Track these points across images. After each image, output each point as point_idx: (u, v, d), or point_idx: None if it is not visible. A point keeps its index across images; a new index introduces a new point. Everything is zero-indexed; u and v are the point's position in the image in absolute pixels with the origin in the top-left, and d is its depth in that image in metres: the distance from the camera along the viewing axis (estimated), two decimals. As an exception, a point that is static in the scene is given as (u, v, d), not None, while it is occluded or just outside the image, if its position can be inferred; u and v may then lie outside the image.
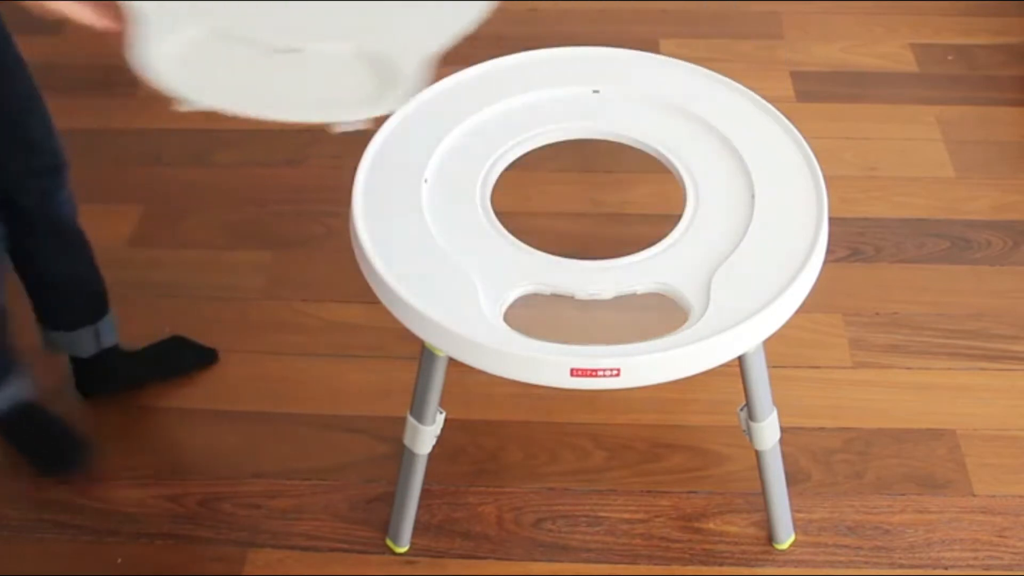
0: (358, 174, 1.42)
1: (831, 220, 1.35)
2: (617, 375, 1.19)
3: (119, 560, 1.70)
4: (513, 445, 1.84)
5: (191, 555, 1.70)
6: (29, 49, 2.83)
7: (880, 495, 1.75)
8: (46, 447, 1.82)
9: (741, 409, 1.52)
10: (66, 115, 2.60)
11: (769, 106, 1.51)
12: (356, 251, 1.34)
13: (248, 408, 1.91)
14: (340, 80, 1.26)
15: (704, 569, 1.66)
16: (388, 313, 1.30)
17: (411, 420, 1.51)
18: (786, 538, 1.67)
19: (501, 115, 1.52)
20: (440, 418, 1.51)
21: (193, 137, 2.51)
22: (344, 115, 1.22)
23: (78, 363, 1.91)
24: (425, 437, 1.51)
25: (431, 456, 1.56)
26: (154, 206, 2.33)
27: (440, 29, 1.38)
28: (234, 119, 2.61)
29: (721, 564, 1.66)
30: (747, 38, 2.67)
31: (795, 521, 1.69)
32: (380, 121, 1.42)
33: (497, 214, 1.39)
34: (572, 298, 1.28)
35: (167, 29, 1.29)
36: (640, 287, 1.28)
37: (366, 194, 1.39)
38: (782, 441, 1.56)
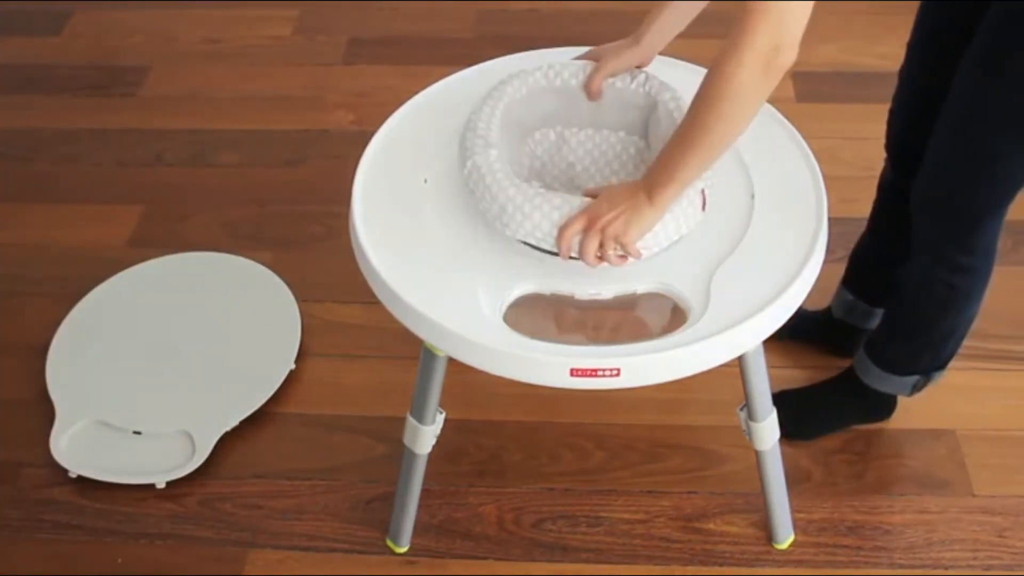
0: (358, 174, 1.42)
1: (831, 220, 1.35)
2: (617, 375, 1.19)
3: (119, 560, 1.70)
4: (514, 445, 1.84)
5: (191, 555, 1.70)
6: (29, 49, 2.86)
7: (880, 495, 1.75)
8: None
9: (741, 409, 1.52)
10: (66, 115, 2.62)
11: (769, 106, 1.51)
12: (356, 251, 1.34)
13: (248, 408, 1.91)
14: (165, 451, 1.83)
15: (704, 569, 1.66)
16: (388, 313, 1.30)
17: (411, 420, 1.51)
18: (785, 538, 1.67)
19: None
20: (440, 418, 1.51)
21: (193, 137, 2.51)
22: (162, 477, 1.78)
23: None
24: (425, 437, 1.51)
25: (431, 456, 1.56)
26: (154, 206, 2.33)
27: (235, 409, 1.87)
28: (234, 119, 2.62)
29: (721, 564, 1.66)
30: (747, 38, 2.66)
31: (795, 521, 1.69)
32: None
33: (497, 214, 1.39)
34: (572, 298, 1.28)
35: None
36: (640, 287, 1.28)
37: (366, 194, 1.39)
38: (782, 441, 1.56)
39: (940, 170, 1.47)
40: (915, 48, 1.57)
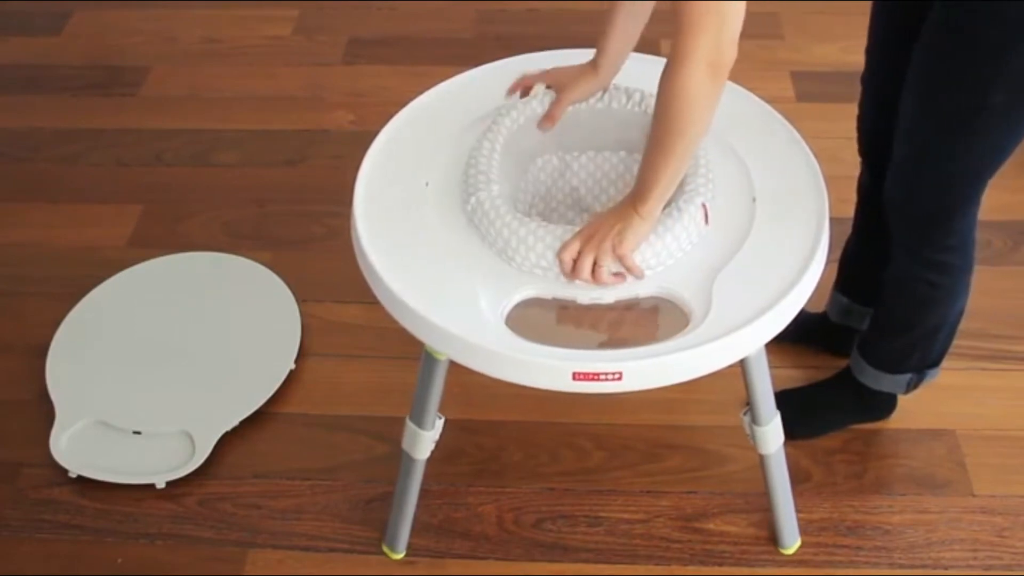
0: (359, 177, 1.42)
1: (832, 221, 1.35)
2: (619, 379, 1.19)
3: (119, 560, 1.70)
4: (513, 445, 1.84)
5: (191, 555, 1.70)
6: (29, 49, 2.86)
7: (880, 495, 1.75)
8: None
9: (744, 413, 1.52)
10: (66, 115, 2.62)
11: (769, 107, 1.51)
12: (357, 253, 1.34)
13: (248, 408, 1.91)
14: (165, 451, 1.82)
15: (704, 569, 1.66)
16: (388, 313, 1.30)
17: (410, 425, 1.50)
18: (792, 543, 1.67)
19: (502, 116, 1.52)
20: (439, 423, 1.50)
21: (193, 137, 2.51)
22: (162, 477, 1.78)
23: None
24: (424, 442, 1.51)
25: (430, 456, 1.55)
26: (154, 206, 2.33)
27: (235, 409, 1.87)
28: (234, 119, 2.61)
29: (721, 564, 1.67)
30: (747, 38, 2.63)
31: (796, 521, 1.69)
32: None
33: (498, 216, 1.39)
34: (574, 302, 1.28)
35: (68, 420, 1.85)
36: (642, 291, 1.28)
37: (367, 196, 1.39)
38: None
39: (900, 172, 1.49)
40: (871, 53, 1.58)
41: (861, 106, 1.65)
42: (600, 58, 1.46)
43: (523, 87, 1.51)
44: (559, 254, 1.27)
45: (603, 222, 1.27)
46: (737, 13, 1.16)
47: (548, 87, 1.49)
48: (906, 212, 1.52)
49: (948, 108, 1.37)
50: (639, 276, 1.28)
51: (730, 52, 1.17)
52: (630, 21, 1.43)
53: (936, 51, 1.35)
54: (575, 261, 1.27)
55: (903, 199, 1.51)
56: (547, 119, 1.47)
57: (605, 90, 1.48)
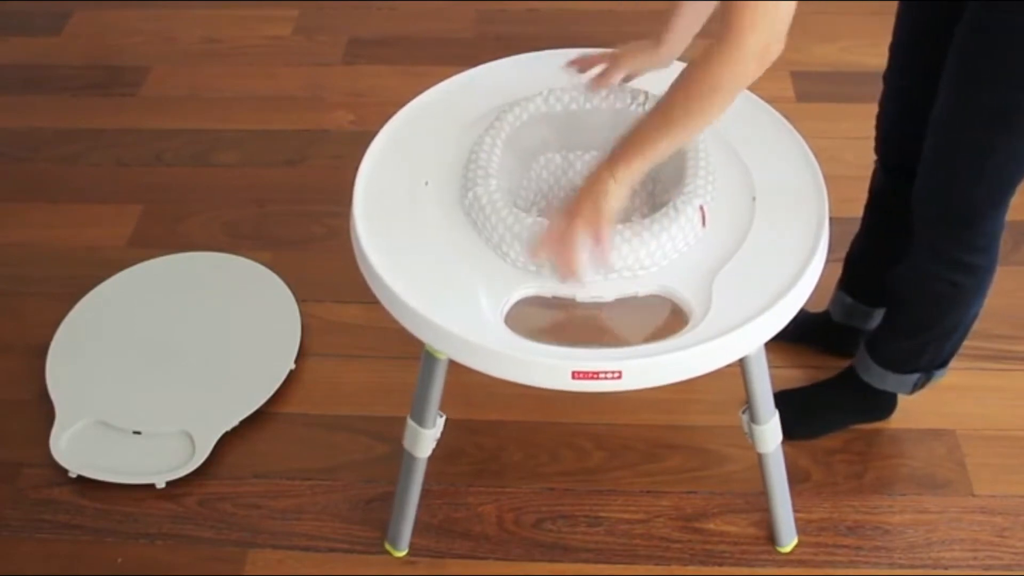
0: (359, 176, 1.42)
1: (832, 220, 1.35)
2: (618, 378, 1.19)
3: (119, 560, 1.70)
4: (513, 445, 1.84)
5: (191, 555, 1.70)
6: (29, 49, 2.86)
7: (880, 495, 1.75)
8: None
9: (743, 412, 1.52)
10: (66, 115, 2.62)
11: (769, 106, 1.51)
12: (357, 253, 1.34)
13: (248, 408, 1.91)
14: (165, 451, 1.82)
15: (704, 569, 1.66)
16: (388, 313, 1.30)
17: (411, 423, 1.50)
18: (789, 541, 1.67)
19: (502, 116, 1.52)
20: (440, 422, 1.51)
21: (193, 137, 2.51)
22: (162, 477, 1.78)
23: None
24: (425, 441, 1.51)
25: (431, 456, 1.56)
26: (154, 206, 2.33)
27: (235, 409, 1.87)
28: (234, 119, 2.61)
29: (721, 564, 1.67)
30: (747, 38, 2.66)
31: (795, 521, 1.69)
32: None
33: (498, 215, 1.39)
34: (573, 300, 1.28)
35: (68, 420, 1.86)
36: (641, 290, 1.28)
37: (367, 195, 1.39)
38: (782, 441, 1.56)
39: (934, 169, 1.48)
40: (898, 50, 1.57)
41: (882, 103, 1.64)
42: (666, 32, 1.43)
43: (583, 64, 1.49)
44: (541, 244, 1.24)
45: (576, 193, 1.23)
46: (790, 6, 1.17)
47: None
48: (936, 211, 1.51)
49: (982, 108, 1.36)
50: (605, 258, 1.24)
51: (779, 47, 1.17)
52: (701, 4, 1.41)
53: (968, 53, 1.35)
54: (558, 262, 1.24)
55: (935, 195, 1.49)
56: (597, 82, 1.45)
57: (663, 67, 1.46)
